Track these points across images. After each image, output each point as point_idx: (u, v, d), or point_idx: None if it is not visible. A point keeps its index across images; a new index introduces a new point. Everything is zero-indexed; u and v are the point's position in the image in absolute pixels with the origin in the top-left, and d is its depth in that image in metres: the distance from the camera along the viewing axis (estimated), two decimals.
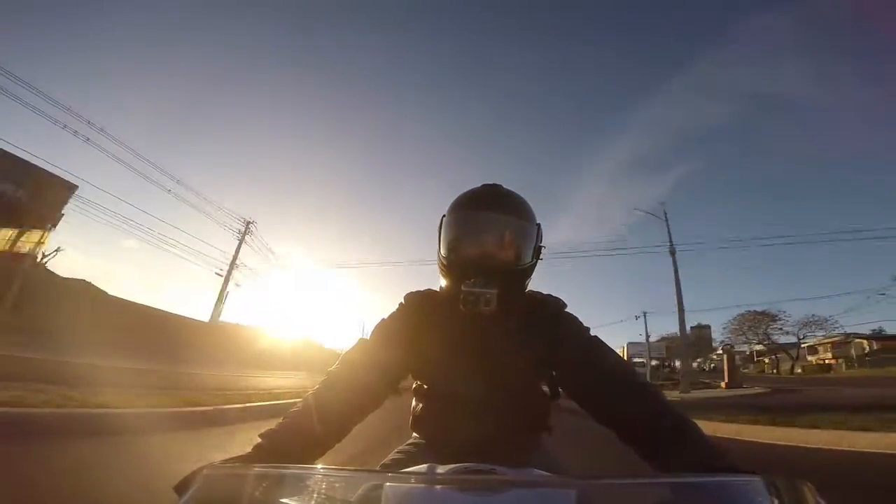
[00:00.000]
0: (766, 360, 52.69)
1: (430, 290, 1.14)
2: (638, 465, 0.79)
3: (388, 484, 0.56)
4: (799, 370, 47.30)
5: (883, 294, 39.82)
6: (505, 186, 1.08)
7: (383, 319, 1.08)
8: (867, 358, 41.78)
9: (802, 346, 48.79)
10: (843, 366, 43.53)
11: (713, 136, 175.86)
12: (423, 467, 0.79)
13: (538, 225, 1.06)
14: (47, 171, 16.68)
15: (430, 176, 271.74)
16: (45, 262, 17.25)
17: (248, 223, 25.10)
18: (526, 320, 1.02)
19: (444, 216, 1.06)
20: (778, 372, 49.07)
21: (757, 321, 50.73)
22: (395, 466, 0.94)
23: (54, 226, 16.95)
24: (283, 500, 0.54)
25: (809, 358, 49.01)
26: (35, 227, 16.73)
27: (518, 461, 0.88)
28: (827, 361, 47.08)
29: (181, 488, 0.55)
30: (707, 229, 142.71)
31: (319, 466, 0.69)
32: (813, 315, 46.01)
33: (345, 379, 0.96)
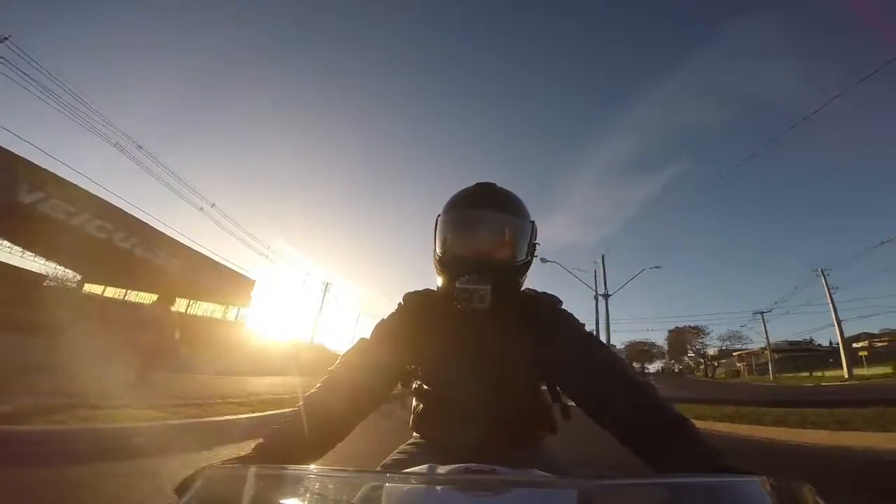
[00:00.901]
0: (715, 365, 58.04)
1: (428, 289, 1.03)
2: (638, 466, 0.72)
3: (388, 484, 0.50)
4: (722, 374, 53.75)
5: (744, 326, 48.81)
6: (499, 185, 1.00)
7: (383, 319, 0.98)
8: (756, 367, 47.14)
9: (733, 354, 53.89)
10: (746, 372, 48.92)
11: (701, 138, 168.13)
12: (423, 468, 0.70)
13: (532, 222, 0.96)
14: (241, 274, 25.42)
15: (421, 178, 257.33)
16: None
17: (327, 284, 33.69)
18: (522, 318, 0.92)
19: (439, 216, 0.98)
20: (706, 375, 54.64)
21: (689, 334, 57.01)
22: (396, 467, 0.84)
23: (248, 305, 27.14)
24: (284, 501, 0.48)
25: (738, 364, 53.22)
26: (235, 305, 26.95)
27: (519, 461, 0.79)
28: (741, 368, 52.43)
29: (182, 489, 0.49)
30: (694, 227, 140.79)
31: (320, 467, 0.60)
32: (731, 330, 52.26)
33: (345, 379, 0.86)
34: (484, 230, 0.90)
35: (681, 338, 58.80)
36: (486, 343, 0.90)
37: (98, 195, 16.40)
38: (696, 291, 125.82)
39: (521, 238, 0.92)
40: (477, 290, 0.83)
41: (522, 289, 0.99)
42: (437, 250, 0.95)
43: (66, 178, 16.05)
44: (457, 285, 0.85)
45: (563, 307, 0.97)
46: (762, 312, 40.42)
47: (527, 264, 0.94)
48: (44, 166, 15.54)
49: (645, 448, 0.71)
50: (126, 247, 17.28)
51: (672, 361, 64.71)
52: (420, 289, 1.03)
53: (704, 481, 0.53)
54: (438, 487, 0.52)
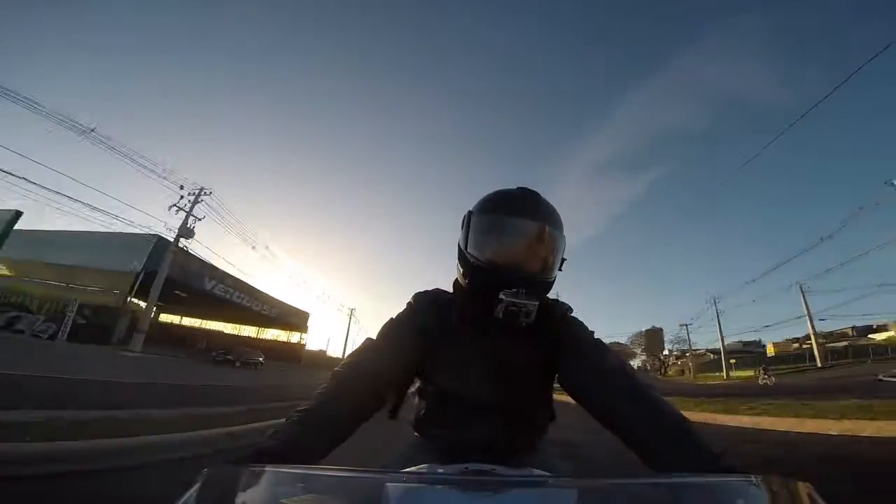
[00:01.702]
0: (679, 363, 56.49)
1: (438, 289, 0.89)
2: (638, 466, 0.63)
3: (388, 484, 0.41)
4: (672, 372, 54.66)
5: (676, 338, 51.93)
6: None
7: (391, 319, 0.84)
8: (699, 367, 47.25)
9: (686, 354, 53.77)
10: (688, 371, 49.43)
11: (683, 139, 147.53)
12: (423, 467, 0.64)
13: (564, 236, 0.83)
14: (298, 308, 35.56)
15: (402, 179, 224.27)
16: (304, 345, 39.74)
17: (352, 310, 39.34)
18: (532, 324, 0.79)
19: (471, 213, 0.81)
20: (660, 373, 56.85)
21: (643, 337, 59.17)
22: (397, 466, 0.73)
23: (306, 331, 38.10)
24: (284, 501, 0.41)
25: (690, 364, 52.72)
26: (298, 332, 36.71)
27: (519, 461, 0.72)
28: (687, 368, 53.20)
29: (184, 488, 0.41)
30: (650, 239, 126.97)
31: (320, 466, 0.51)
32: (678, 335, 53.33)
33: (350, 380, 0.72)
34: (533, 243, 0.75)
35: (655, 337, 55.88)
36: (496, 346, 0.79)
37: (237, 276, 27.06)
38: (652, 297, 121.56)
39: (559, 253, 0.79)
40: (526, 306, 0.70)
41: None
42: (471, 251, 0.78)
43: (224, 270, 25.61)
44: (503, 297, 0.70)
45: (573, 314, 0.86)
46: (686, 325, 45.89)
47: (555, 278, 0.81)
48: (214, 263, 25.41)
49: (647, 449, 0.62)
50: (247, 304, 28.59)
51: (649, 359, 60.38)
52: (429, 289, 0.89)
53: (704, 481, 0.46)
54: (438, 487, 0.45)
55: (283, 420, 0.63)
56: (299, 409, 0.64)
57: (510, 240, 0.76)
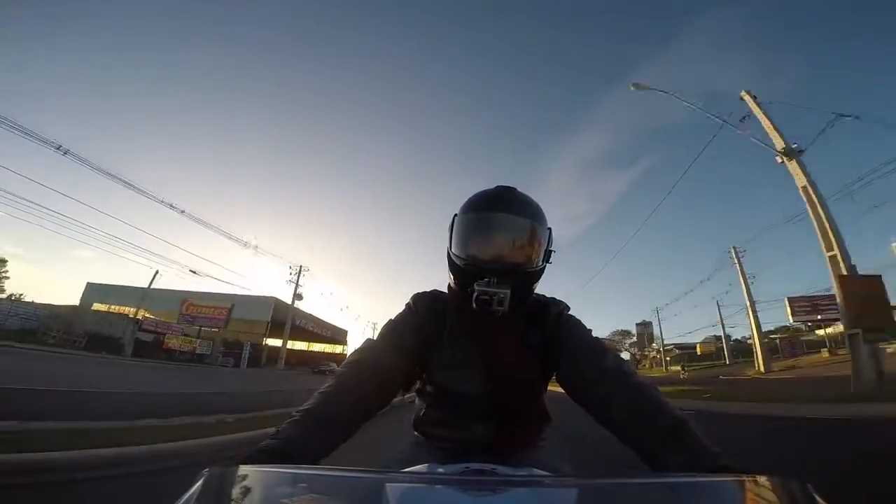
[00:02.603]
0: (658, 357, 57.23)
1: (436, 290, 0.89)
2: (638, 465, 0.60)
3: (388, 483, 0.40)
4: (645, 365, 56.02)
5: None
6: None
7: (391, 320, 0.84)
8: (668, 361, 49.78)
9: (661, 351, 55.84)
10: (655, 364, 51.95)
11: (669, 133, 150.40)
12: (423, 467, 0.63)
13: (549, 229, 0.82)
14: (340, 328, 53.27)
15: (393, 179, 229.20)
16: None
17: (374, 324, 49.83)
18: (530, 322, 0.79)
19: (455, 215, 0.81)
20: (636, 366, 55.80)
21: (622, 335, 60.83)
22: (397, 466, 0.72)
23: (346, 344, 53.26)
24: (284, 501, 0.41)
25: (667, 358, 53.83)
26: (340, 345, 51.94)
27: (519, 461, 0.70)
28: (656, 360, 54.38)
29: (184, 488, 0.40)
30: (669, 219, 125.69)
31: (320, 466, 0.51)
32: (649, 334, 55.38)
33: (351, 380, 0.72)
34: (505, 234, 0.76)
35: (645, 331, 56.38)
36: (493, 345, 0.78)
37: (308, 313, 42.06)
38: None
39: (540, 244, 0.77)
40: (497, 294, 0.69)
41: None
42: (454, 250, 0.79)
43: (303, 310, 39.71)
44: (476, 287, 0.70)
45: (570, 313, 0.83)
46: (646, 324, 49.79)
47: (541, 270, 0.79)
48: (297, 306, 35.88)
49: (645, 448, 0.59)
50: (313, 329, 43.21)
51: (639, 352, 59.77)
52: (428, 290, 0.88)
53: (703, 481, 0.44)
54: (438, 486, 0.44)
55: (285, 421, 0.61)
56: (300, 408, 0.62)
57: (485, 234, 0.76)
